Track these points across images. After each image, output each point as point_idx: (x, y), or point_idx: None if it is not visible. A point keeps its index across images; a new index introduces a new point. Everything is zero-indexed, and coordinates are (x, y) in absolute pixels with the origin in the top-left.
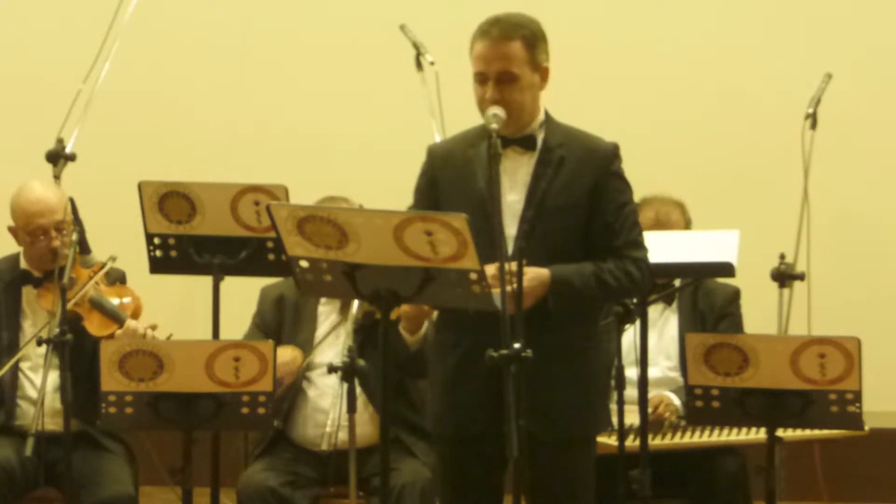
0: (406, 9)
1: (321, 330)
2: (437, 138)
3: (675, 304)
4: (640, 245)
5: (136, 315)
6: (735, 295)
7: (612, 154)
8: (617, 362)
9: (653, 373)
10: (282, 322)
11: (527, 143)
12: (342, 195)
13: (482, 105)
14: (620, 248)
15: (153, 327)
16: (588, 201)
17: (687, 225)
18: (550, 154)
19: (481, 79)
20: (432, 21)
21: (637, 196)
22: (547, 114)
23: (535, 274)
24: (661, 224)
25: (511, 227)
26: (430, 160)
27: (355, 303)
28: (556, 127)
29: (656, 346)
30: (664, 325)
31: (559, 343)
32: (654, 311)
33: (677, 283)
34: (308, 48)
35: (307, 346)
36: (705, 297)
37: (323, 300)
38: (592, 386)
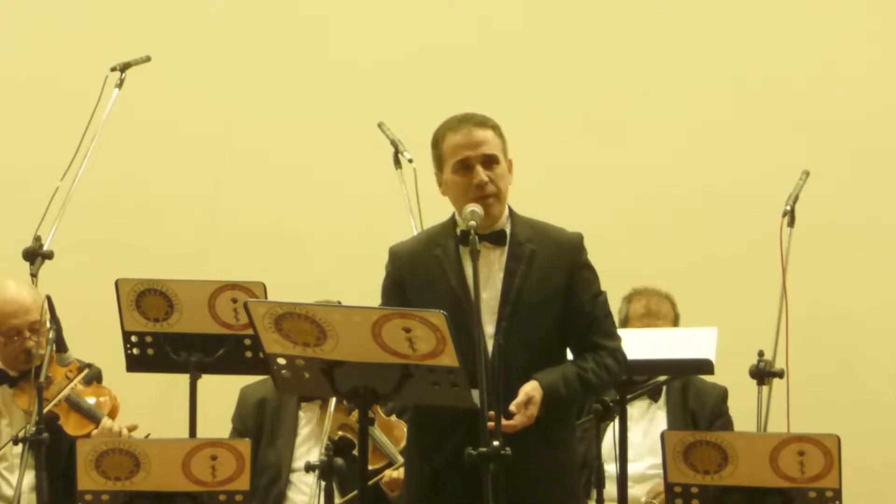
0: (384, 106)
1: (302, 434)
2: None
3: (661, 401)
4: (614, 335)
5: (112, 414)
6: (725, 395)
7: (579, 245)
8: (597, 461)
9: (635, 469)
10: (262, 425)
11: (497, 238)
12: (322, 294)
13: (471, 192)
14: (598, 341)
15: (132, 428)
16: (563, 294)
17: (676, 319)
18: (521, 248)
19: (466, 165)
20: (410, 118)
21: (624, 290)
22: (510, 208)
23: (532, 399)
24: (651, 314)
25: (489, 325)
26: (394, 262)
27: (332, 402)
28: (522, 220)
29: (642, 443)
30: (651, 421)
31: (538, 437)
32: (639, 406)
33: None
34: (287, 146)
35: (287, 450)
36: (696, 397)
37: (303, 404)
38: (569, 478)
